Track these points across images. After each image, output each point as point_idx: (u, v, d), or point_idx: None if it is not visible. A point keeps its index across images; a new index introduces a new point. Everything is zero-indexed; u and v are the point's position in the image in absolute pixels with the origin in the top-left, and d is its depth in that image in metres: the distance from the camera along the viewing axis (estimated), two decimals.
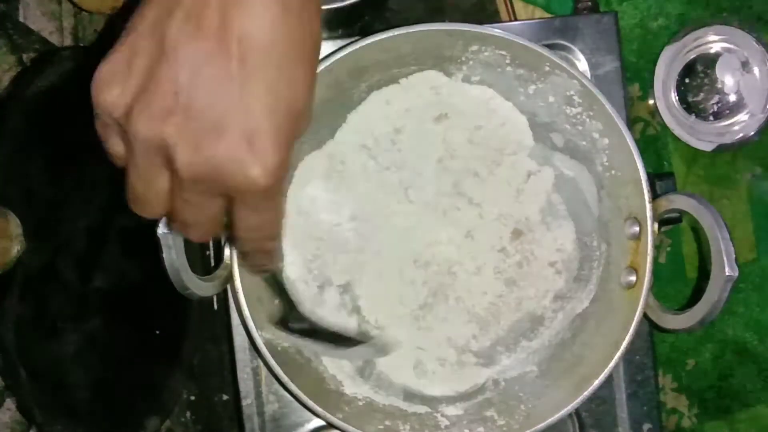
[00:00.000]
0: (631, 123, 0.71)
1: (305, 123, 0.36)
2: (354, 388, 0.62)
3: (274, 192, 0.35)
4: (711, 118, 0.74)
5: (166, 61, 0.33)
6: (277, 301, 0.62)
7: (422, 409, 0.62)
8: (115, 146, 0.37)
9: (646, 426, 0.65)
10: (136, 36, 0.34)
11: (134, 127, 0.34)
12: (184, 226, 0.39)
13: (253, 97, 0.33)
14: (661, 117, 0.74)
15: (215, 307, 0.76)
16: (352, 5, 0.64)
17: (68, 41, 0.76)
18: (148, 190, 0.36)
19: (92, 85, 0.35)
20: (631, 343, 0.57)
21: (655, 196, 0.58)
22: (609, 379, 0.62)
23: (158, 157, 0.34)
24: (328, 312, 0.63)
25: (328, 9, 0.65)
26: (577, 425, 0.65)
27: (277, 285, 0.62)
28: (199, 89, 0.33)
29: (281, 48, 0.33)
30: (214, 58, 0.32)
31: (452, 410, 0.62)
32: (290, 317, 0.61)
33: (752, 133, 0.73)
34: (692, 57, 0.73)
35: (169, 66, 0.33)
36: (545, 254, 0.64)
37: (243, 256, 0.53)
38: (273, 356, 0.56)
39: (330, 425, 0.58)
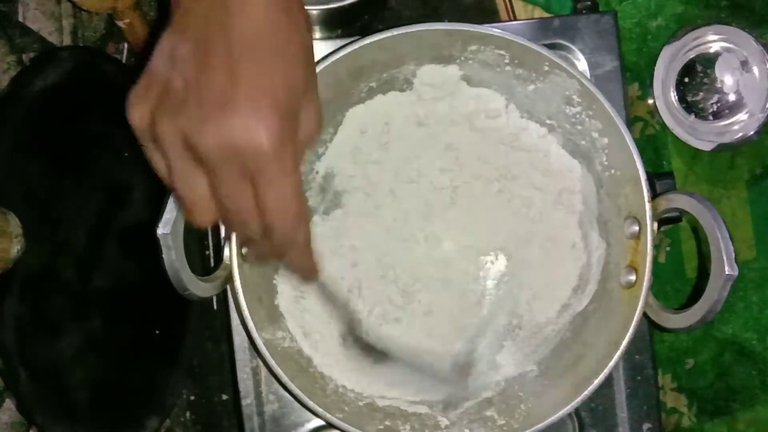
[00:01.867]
0: (630, 122, 0.71)
1: (308, 95, 0.42)
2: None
3: (283, 158, 0.40)
4: (710, 117, 0.74)
5: (175, 70, 0.40)
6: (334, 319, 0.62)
7: (422, 409, 0.62)
8: (158, 163, 0.42)
9: (646, 425, 0.65)
10: (152, 64, 0.41)
11: (159, 129, 0.40)
12: (236, 223, 0.44)
13: (251, 81, 0.39)
14: (660, 116, 0.74)
15: (215, 307, 0.76)
16: (352, 5, 0.64)
17: (68, 41, 0.76)
18: (193, 194, 0.42)
19: (126, 114, 0.42)
20: (631, 342, 0.57)
21: (654, 195, 0.58)
22: (609, 379, 0.62)
23: (186, 150, 0.40)
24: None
25: (327, 9, 0.65)
26: (576, 425, 0.65)
27: (335, 300, 0.62)
28: (203, 83, 0.39)
29: (268, 38, 0.40)
30: (211, 57, 0.39)
31: (452, 410, 0.62)
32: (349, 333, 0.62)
33: (752, 132, 0.73)
34: (691, 56, 0.73)
35: (178, 73, 0.40)
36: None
37: (284, 262, 0.51)
38: (272, 356, 0.56)
39: (330, 425, 0.58)
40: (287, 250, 0.46)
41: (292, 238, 0.44)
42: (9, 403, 0.65)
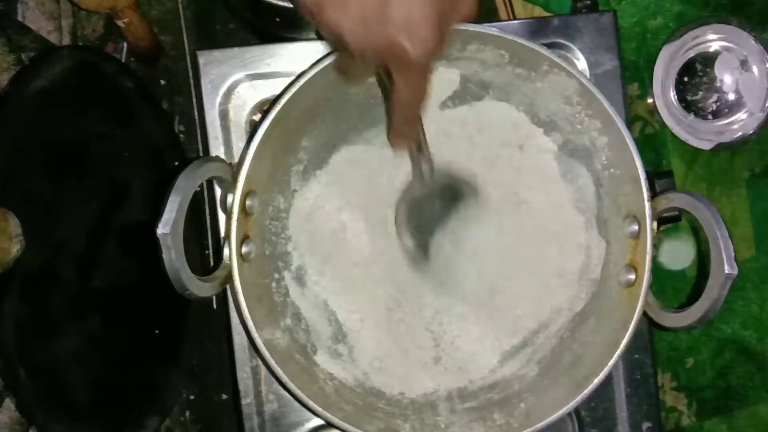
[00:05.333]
0: (630, 122, 0.71)
1: (465, 8, 0.48)
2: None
3: (423, 67, 0.46)
4: (710, 116, 0.74)
5: None
6: None
7: (422, 408, 0.62)
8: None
9: (646, 425, 0.65)
10: None
11: (324, 19, 0.45)
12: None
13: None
14: (660, 116, 0.74)
15: (214, 306, 0.76)
16: None
17: (67, 40, 0.76)
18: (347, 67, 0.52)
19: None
20: (631, 341, 0.57)
21: (654, 194, 0.58)
22: (608, 378, 0.62)
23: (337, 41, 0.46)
24: None
25: None
26: (576, 424, 0.65)
27: None
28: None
29: None
30: None
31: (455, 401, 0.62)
32: None
33: (751, 131, 0.73)
34: (691, 56, 0.73)
35: None
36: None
37: (395, 124, 0.55)
38: (272, 356, 0.56)
39: (330, 425, 0.58)
40: (402, 122, 0.53)
41: (413, 116, 0.52)
42: (9, 403, 0.65)
